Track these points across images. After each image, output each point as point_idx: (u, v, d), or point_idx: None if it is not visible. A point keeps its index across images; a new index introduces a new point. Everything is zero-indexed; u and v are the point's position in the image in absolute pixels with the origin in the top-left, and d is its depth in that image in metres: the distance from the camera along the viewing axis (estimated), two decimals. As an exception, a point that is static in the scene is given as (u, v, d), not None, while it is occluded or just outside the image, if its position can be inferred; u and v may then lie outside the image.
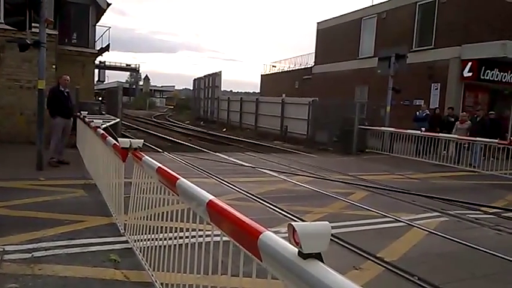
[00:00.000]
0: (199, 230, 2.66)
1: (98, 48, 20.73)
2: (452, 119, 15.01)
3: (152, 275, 3.53)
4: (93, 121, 8.26)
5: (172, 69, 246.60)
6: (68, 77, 9.83)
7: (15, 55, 11.34)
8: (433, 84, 19.57)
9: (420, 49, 20.40)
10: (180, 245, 2.92)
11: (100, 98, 33.47)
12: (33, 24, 8.48)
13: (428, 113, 16.11)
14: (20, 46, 8.50)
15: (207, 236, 2.56)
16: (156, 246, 3.42)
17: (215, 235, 2.43)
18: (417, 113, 16.29)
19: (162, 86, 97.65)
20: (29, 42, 8.42)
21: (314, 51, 30.15)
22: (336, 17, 27.59)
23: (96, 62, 25.10)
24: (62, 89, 9.50)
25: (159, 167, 3.49)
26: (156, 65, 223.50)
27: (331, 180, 9.49)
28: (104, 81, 73.84)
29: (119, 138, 5.03)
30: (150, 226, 3.70)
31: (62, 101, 9.39)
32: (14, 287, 3.53)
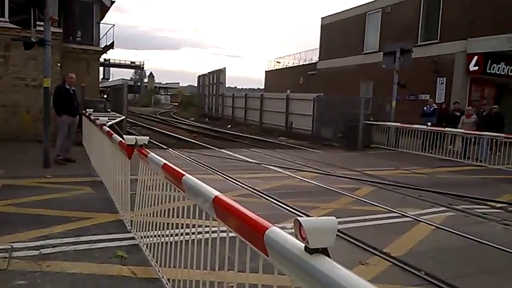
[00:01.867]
0: (206, 226, 2.66)
1: (103, 46, 20.79)
2: (458, 114, 14.92)
3: (159, 271, 3.54)
4: (98, 119, 8.30)
5: (175, 66, 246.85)
6: (74, 75, 9.86)
7: (21, 53, 11.39)
8: (438, 79, 19.44)
9: (425, 43, 20.27)
10: (187, 241, 2.93)
11: (105, 96, 33.62)
12: (37, 23, 8.51)
13: (436, 107, 15.97)
14: (25, 44, 8.52)
15: (213, 232, 2.57)
16: (162, 243, 3.43)
17: (221, 231, 2.43)
18: (425, 108, 16.18)
19: (166, 83, 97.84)
20: (34, 40, 8.44)
21: (318, 47, 30.04)
22: (340, 12, 27.45)
23: (101, 59, 25.16)
24: (68, 87, 9.52)
25: (164, 163, 3.49)
26: (159, 62, 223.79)
27: (337, 176, 9.48)
28: (109, 78, 74.16)
29: (124, 136, 5.05)
30: (156, 222, 3.71)
31: (67, 99, 9.42)
32: (22, 283, 3.56)
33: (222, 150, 13.49)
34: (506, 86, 20.02)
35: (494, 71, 18.53)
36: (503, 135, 12.60)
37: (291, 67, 36.61)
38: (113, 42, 21.14)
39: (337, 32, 27.12)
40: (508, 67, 18.77)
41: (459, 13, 18.80)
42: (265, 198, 7.03)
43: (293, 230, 1.48)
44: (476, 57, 18.15)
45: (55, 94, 9.34)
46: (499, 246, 5.05)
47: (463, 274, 4.33)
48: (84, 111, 10.81)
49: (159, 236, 3.60)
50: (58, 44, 13.22)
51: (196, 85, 47.51)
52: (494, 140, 12.66)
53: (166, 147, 13.36)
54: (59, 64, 13.17)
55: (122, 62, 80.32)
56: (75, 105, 9.70)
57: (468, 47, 18.38)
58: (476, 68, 18.25)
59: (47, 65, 8.78)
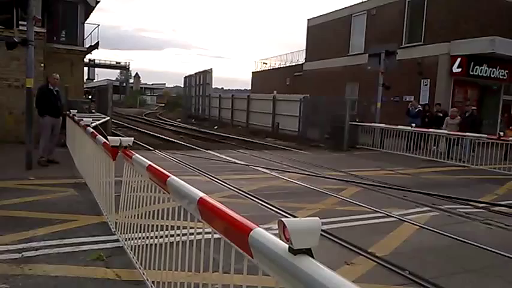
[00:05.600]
0: (191, 227, 2.65)
1: (87, 46, 20.54)
2: (441, 115, 15.15)
3: (143, 274, 3.51)
4: (82, 120, 8.20)
5: (160, 67, 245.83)
6: (58, 75, 9.72)
7: (3, 53, 11.18)
8: (422, 80, 19.70)
9: (410, 45, 20.51)
10: (171, 243, 2.91)
11: (90, 96, 33.24)
12: (20, 22, 8.38)
13: (420, 108, 16.17)
14: (7, 44, 8.38)
15: (198, 233, 2.56)
16: (147, 245, 3.40)
17: (206, 232, 2.42)
18: (409, 108, 16.39)
19: (152, 84, 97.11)
20: (16, 40, 8.31)
21: (305, 48, 30.19)
22: (326, 14, 27.63)
23: (86, 59, 24.86)
24: (51, 88, 9.39)
25: (149, 165, 3.47)
26: (143, 63, 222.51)
27: (323, 177, 9.52)
28: (94, 79, 73.33)
29: (108, 137, 4.99)
30: (141, 224, 3.68)
31: (51, 99, 9.29)
32: (3, 287, 3.49)
33: (208, 151, 13.45)
34: (489, 88, 20.38)
35: (477, 73, 18.84)
36: (485, 136, 12.82)
37: (278, 68, 36.67)
38: (97, 43, 20.86)
39: (323, 34, 27.27)
40: (490, 69, 19.10)
41: (443, 16, 19.08)
42: (251, 199, 7.03)
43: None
44: (459, 59, 18.43)
45: (38, 95, 9.20)
46: (482, 246, 5.12)
47: (447, 273, 4.38)
48: (68, 112, 10.67)
49: (143, 238, 3.57)
50: (41, 44, 13.02)
51: (182, 86, 47.24)
52: (477, 140, 12.88)
53: (152, 149, 13.26)
54: (42, 64, 12.97)
55: (107, 62, 79.52)
56: (59, 106, 9.56)
57: (452, 49, 18.65)
58: (460, 69, 18.53)
59: (30, 65, 8.64)
